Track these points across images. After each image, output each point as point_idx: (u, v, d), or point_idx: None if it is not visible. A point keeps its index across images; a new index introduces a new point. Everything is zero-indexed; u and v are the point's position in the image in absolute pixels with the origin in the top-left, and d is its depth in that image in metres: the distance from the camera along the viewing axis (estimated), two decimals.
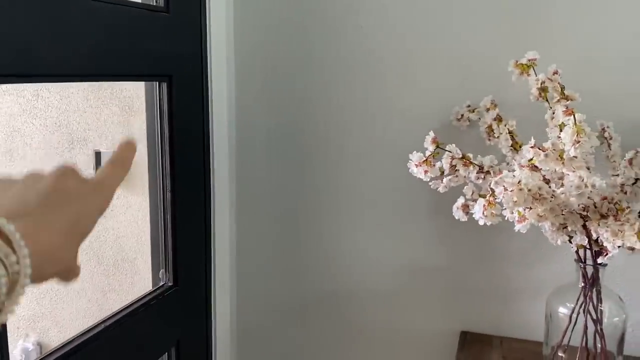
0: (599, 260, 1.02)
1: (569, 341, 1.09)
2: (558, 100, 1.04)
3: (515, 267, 1.29)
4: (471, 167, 1.02)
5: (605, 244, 0.96)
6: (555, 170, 0.94)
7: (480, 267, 1.32)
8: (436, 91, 1.27)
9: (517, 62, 1.08)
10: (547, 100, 1.06)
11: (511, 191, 0.82)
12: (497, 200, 0.86)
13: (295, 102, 1.39)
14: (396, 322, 1.40)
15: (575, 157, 0.85)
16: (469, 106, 1.22)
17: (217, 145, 1.35)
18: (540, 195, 0.86)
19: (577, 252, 1.06)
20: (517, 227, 0.92)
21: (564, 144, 0.82)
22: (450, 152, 1.01)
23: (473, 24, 1.23)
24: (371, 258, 1.40)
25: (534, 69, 1.07)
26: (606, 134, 1.10)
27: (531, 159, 0.88)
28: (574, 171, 0.89)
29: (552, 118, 1.03)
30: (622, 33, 1.15)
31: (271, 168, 1.44)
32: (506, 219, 0.91)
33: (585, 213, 0.95)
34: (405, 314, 1.40)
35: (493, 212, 0.87)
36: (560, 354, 1.09)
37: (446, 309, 1.37)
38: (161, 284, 1.25)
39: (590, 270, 1.06)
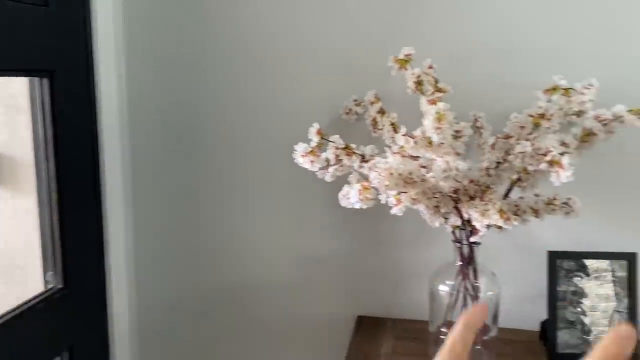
0: (472, 239, 1.10)
1: (451, 317, 1.16)
2: (432, 93, 1.11)
3: (407, 250, 1.36)
4: (354, 157, 1.06)
5: (474, 223, 1.04)
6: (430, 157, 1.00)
7: (374, 253, 1.38)
8: (327, 87, 1.32)
9: (396, 57, 1.15)
10: (422, 93, 1.13)
11: (383, 176, 0.87)
12: (372, 185, 0.91)
13: (187, 98, 1.39)
14: (296, 311, 1.44)
15: (443, 143, 0.91)
16: (355, 100, 1.27)
17: (108, 142, 1.32)
18: (411, 179, 0.92)
19: (453, 232, 1.14)
20: (394, 210, 0.98)
21: (428, 131, 0.88)
22: (333, 142, 1.05)
23: (357, 21, 1.28)
24: (268, 250, 1.42)
25: (411, 63, 1.13)
26: (478, 124, 1.19)
27: (402, 146, 0.93)
28: (441, 157, 0.96)
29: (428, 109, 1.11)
30: (491, 28, 1.24)
31: (166, 165, 1.43)
32: (382, 202, 0.97)
33: (455, 195, 1.02)
34: (305, 303, 1.43)
35: (368, 196, 0.92)
36: (443, 329, 1.17)
37: (343, 296, 1.42)
38: (50, 286, 1.20)
39: (466, 250, 1.15)
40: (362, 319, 1.39)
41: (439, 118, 0.86)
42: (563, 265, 1.20)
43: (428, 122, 0.87)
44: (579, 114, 0.96)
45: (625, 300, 1.19)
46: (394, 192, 0.94)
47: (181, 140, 1.41)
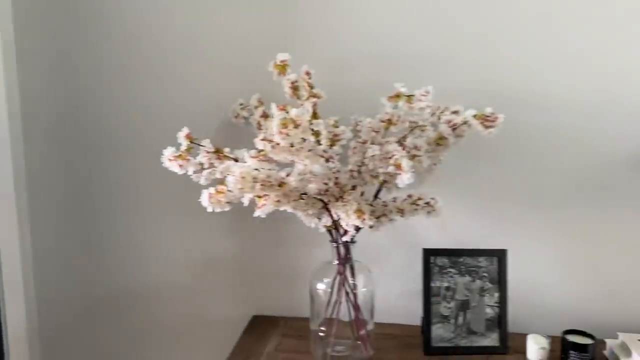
0: (344, 239, 1.14)
1: (331, 314, 1.20)
2: (307, 98, 1.15)
3: (300, 250, 1.40)
4: (226, 160, 1.09)
5: (342, 223, 1.08)
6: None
7: (268, 253, 1.41)
8: (220, 89, 1.33)
9: (275, 63, 1.17)
10: (298, 98, 1.17)
11: (237, 180, 0.90)
12: (228, 188, 0.94)
13: (79, 102, 1.39)
14: (194, 312, 1.46)
15: (297, 147, 0.95)
16: (241, 104, 1.29)
17: None
18: (269, 182, 0.95)
19: (329, 232, 1.17)
20: (257, 212, 1.01)
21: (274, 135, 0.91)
22: (203, 146, 1.08)
23: (247, 25, 1.31)
24: (164, 251, 1.44)
25: (290, 68, 1.17)
26: (358, 127, 1.22)
27: (261, 150, 0.97)
28: (302, 160, 0.99)
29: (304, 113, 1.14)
30: (373, 35, 1.28)
31: (61, 172, 1.43)
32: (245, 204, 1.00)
33: (321, 197, 1.06)
34: (202, 304, 1.45)
35: (221, 199, 0.95)
36: (322, 327, 1.20)
37: (239, 296, 1.44)
38: None
39: (342, 249, 1.18)
40: (256, 319, 1.42)
41: (284, 124, 0.89)
42: (437, 262, 1.25)
43: (272, 127, 0.90)
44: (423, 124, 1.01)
45: (496, 295, 1.25)
46: (250, 195, 0.97)
47: (76, 141, 1.41)
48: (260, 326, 1.38)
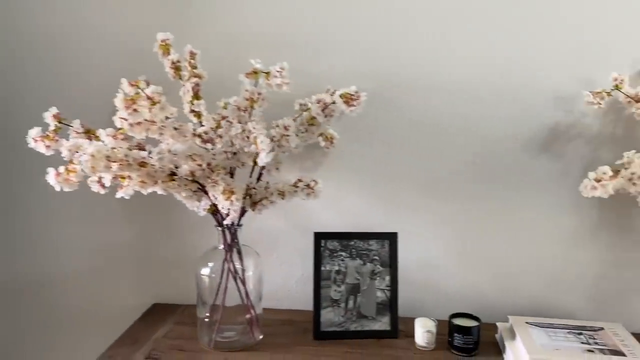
0: (225, 222, 1.11)
1: (217, 300, 1.17)
2: (188, 78, 1.12)
3: (196, 238, 1.37)
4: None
5: (219, 205, 1.06)
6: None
7: (167, 241, 1.39)
8: (106, 72, 1.30)
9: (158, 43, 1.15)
10: (180, 79, 1.14)
11: (87, 160, 0.87)
12: (80, 167, 0.91)
13: None
14: (95, 301, 1.43)
15: (158, 124, 0.92)
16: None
17: None
18: (126, 161, 0.93)
19: (213, 216, 1.15)
20: (119, 193, 0.98)
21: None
22: (72, 126, 1.05)
23: (137, 5, 1.28)
24: (63, 240, 1.40)
25: (171, 49, 1.14)
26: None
27: (120, 129, 0.94)
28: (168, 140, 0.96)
29: (185, 94, 1.12)
30: (265, 16, 1.25)
31: None
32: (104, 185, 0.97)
33: (193, 178, 1.03)
34: (101, 292, 1.42)
35: (71, 178, 0.92)
36: (207, 313, 1.18)
37: (140, 284, 1.41)
38: None
39: (228, 233, 1.16)
40: (155, 307, 1.39)
41: (132, 99, 0.86)
42: (328, 246, 1.23)
43: (117, 103, 0.87)
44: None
45: (387, 278, 1.24)
46: (109, 176, 0.94)
47: None
48: (157, 313, 1.35)
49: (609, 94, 1.14)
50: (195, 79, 1.12)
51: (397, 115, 1.27)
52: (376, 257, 1.24)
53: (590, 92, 1.14)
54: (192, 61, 1.13)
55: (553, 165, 1.24)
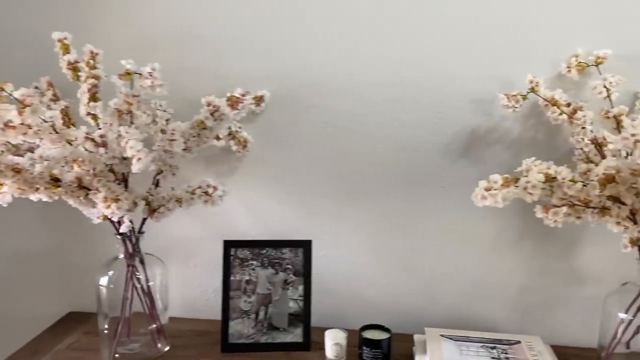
0: (121, 230, 1.07)
1: (122, 311, 1.12)
2: (86, 79, 1.08)
3: (111, 242, 1.32)
4: None
5: (105, 213, 1.01)
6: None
7: (83, 248, 1.34)
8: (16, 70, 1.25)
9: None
10: (77, 79, 1.10)
11: None
12: None
13: None
14: (8, 310, 1.38)
15: (34, 129, 0.87)
16: (36, 87, 1.21)
17: None
18: None
19: (112, 224, 1.10)
20: None
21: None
22: None
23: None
24: None
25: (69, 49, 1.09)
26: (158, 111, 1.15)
27: None
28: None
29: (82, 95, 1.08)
30: (176, 15, 1.20)
31: None
32: None
33: (79, 184, 0.99)
34: (17, 300, 1.38)
35: None
36: (106, 325, 1.13)
37: (55, 292, 1.37)
38: None
39: (129, 241, 1.12)
40: (71, 315, 1.35)
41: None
42: (238, 254, 1.19)
43: None
44: None
45: (301, 287, 1.19)
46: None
47: None
48: (69, 323, 1.31)
49: (524, 97, 1.09)
50: (92, 80, 1.07)
51: (312, 119, 1.22)
52: (289, 266, 1.19)
53: (506, 94, 1.09)
54: (90, 61, 1.08)
55: (473, 171, 1.19)
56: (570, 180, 0.86)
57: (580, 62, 1.09)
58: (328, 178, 1.24)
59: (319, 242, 1.25)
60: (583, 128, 1.04)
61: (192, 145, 0.99)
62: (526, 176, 0.89)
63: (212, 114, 0.94)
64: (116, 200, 0.95)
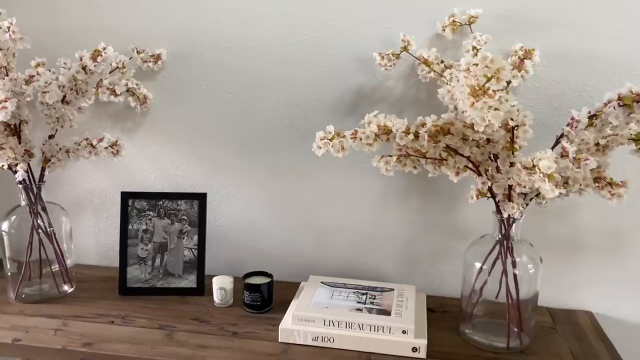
0: (17, 178, 1.14)
1: (27, 255, 1.21)
2: None
3: None
4: None
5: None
6: None
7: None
8: None
9: None
10: None
11: None
12: None
13: None
14: None
15: None
16: None
17: None
18: None
19: (12, 172, 1.18)
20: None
21: None
22: None
23: None
24: None
25: None
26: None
27: None
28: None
29: None
30: None
31: None
32: None
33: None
34: None
35: None
36: (8, 267, 1.22)
37: None
38: None
39: (29, 190, 1.19)
40: None
41: None
42: (135, 205, 1.26)
43: None
44: None
45: (195, 237, 1.26)
46: None
47: None
48: None
49: (397, 56, 1.13)
50: None
51: (211, 77, 1.27)
52: (185, 217, 1.26)
53: (379, 53, 1.13)
54: None
55: None
56: (404, 132, 0.90)
57: (454, 20, 1.12)
58: (228, 134, 1.30)
59: (218, 195, 1.32)
60: (449, 85, 1.07)
61: (72, 98, 1.05)
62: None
63: (83, 68, 1.00)
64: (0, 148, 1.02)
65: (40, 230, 1.21)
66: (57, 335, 1.07)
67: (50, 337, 1.07)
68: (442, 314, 1.18)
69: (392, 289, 1.18)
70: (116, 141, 1.18)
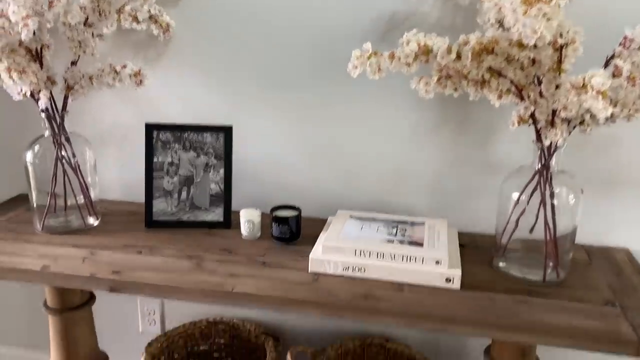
0: (40, 106, 1.12)
1: (52, 186, 1.20)
2: None
3: None
4: None
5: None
6: None
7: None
8: None
9: None
10: None
11: None
12: None
13: None
14: None
15: None
16: None
17: None
18: None
19: (35, 100, 1.15)
20: None
21: None
22: None
23: None
24: None
25: None
26: None
27: None
28: None
29: None
30: None
31: None
32: None
33: None
34: None
35: None
36: (34, 198, 1.21)
37: (7, 177, 1.45)
38: None
39: (53, 119, 1.17)
40: (20, 196, 1.43)
41: None
42: (160, 137, 1.23)
43: None
44: None
45: (221, 171, 1.24)
46: None
47: None
48: (16, 202, 1.40)
49: None
50: None
51: (234, 9, 1.22)
52: (210, 150, 1.24)
53: None
54: None
55: None
56: (446, 51, 0.85)
57: None
58: (253, 66, 1.26)
59: (244, 128, 1.29)
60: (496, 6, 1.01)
61: (94, 20, 1.01)
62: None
63: None
64: (22, 71, 0.99)
65: (64, 162, 1.19)
66: (85, 263, 1.07)
67: (79, 265, 1.06)
68: (474, 249, 1.16)
69: (423, 223, 1.16)
70: (139, 70, 1.14)
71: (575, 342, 0.86)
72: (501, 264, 1.07)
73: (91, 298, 1.30)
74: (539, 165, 1.00)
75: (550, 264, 1.02)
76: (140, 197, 1.35)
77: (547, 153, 0.98)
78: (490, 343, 1.11)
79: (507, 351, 1.06)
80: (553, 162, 1.00)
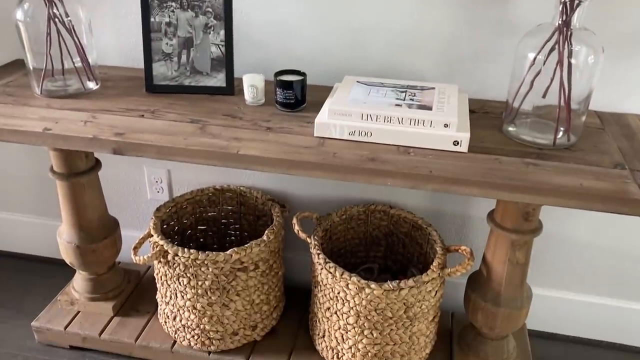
0: None
1: (47, 47, 1.14)
2: None
3: None
4: None
5: None
6: None
7: None
8: None
9: None
10: None
11: None
12: None
13: None
14: None
15: None
16: None
17: None
18: None
19: None
20: None
21: None
22: None
23: None
24: None
25: None
26: None
27: None
28: None
29: None
30: None
31: None
32: None
33: None
34: None
35: None
36: (30, 60, 1.16)
37: (5, 41, 1.39)
38: None
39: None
40: (18, 61, 1.38)
41: None
42: None
43: None
44: None
45: (222, 32, 1.18)
46: None
47: None
48: (13, 67, 1.35)
49: None
50: None
51: None
52: (209, 9, 1.16)
53: None
54: None
55: None
56: None
57: None
58: None
59: None
60: None
61: None
62: None
63: None
64: None
65: (57, 21, 1.13)
66: (87, 126, 1.05)
67: (81, 127, 1.04)
68: (484, 115, 1.13)
69: (434, 88, 1.12)
70: None
71: (583, 203, 0.86)
72: (511, 129, 1.04)
73: (97, 164, 1.30)
74: (560, 21, 0.93)
75: (562, 128, 0.99)
76: (139, 63, 1.31)
77: (569, 7, 0.92)
78: (495, 207, 1.12)
79: (511, 215, 1.07)
80: (575, 18, 0.93)
